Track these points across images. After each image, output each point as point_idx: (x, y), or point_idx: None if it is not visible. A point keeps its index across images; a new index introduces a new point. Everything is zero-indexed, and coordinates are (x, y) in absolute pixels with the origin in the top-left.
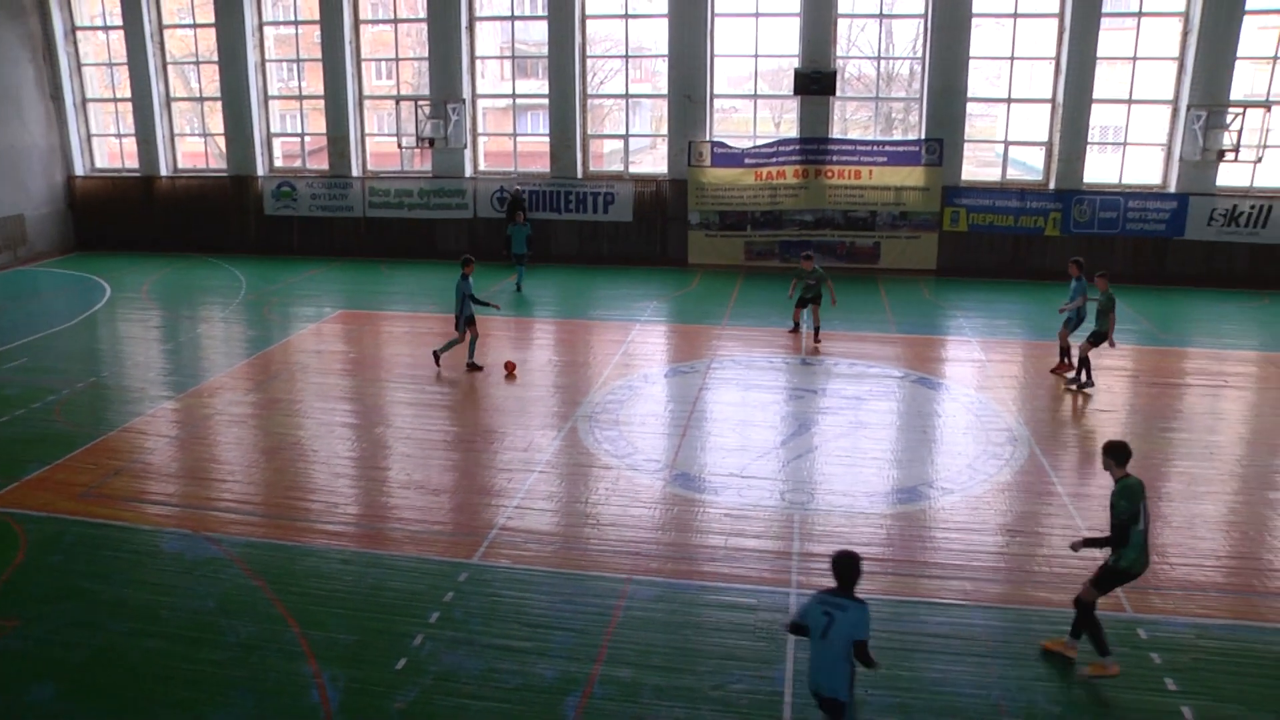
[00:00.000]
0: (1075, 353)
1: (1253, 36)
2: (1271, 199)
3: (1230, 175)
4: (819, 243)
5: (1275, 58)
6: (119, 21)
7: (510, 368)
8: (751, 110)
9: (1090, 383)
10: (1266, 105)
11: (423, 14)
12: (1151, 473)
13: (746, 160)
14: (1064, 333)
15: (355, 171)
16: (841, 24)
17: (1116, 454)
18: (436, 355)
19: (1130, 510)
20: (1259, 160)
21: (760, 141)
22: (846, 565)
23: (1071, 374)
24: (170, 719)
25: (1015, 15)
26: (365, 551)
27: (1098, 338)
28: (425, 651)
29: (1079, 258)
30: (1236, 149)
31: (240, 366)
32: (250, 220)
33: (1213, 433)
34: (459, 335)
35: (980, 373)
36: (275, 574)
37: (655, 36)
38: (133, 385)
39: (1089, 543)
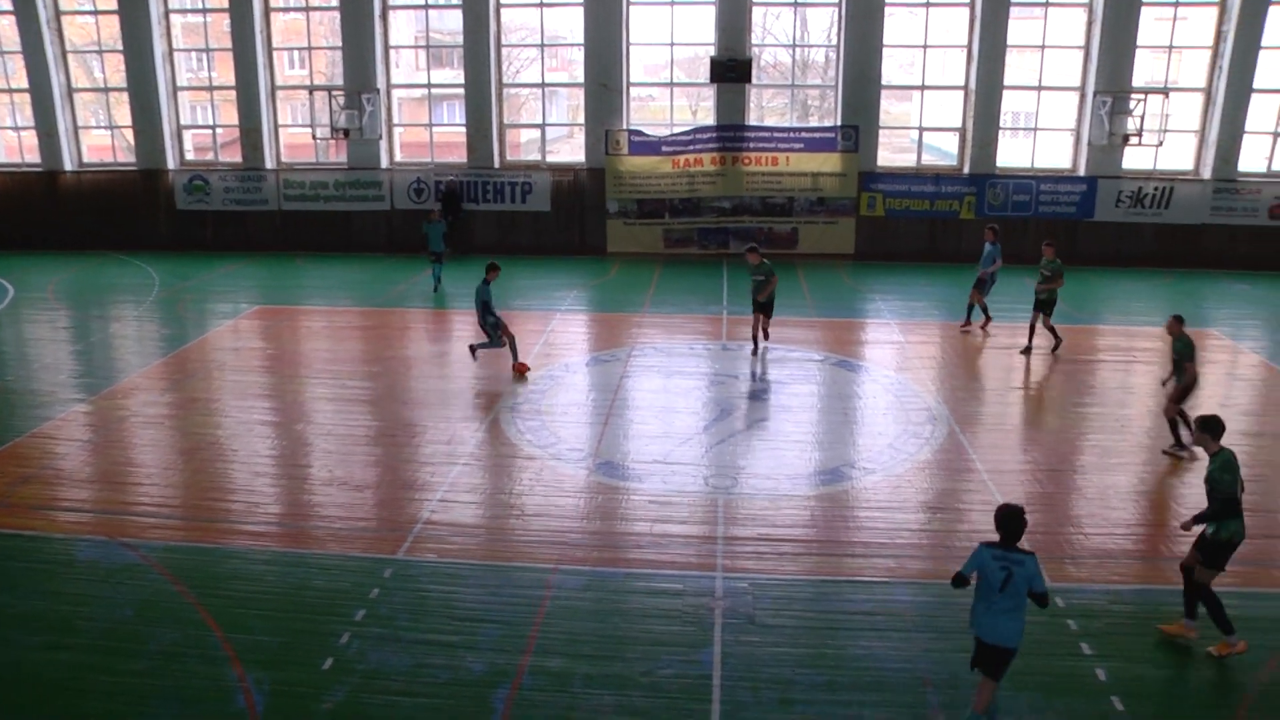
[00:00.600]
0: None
1: (1151, 26)
2: (1173, 181)
3: (1135, 159)
4: (737, 229)
5: (1171, 46)
6: (8, 6)
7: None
8: (668, 98)
9: (1054, 345)
10: (1165, 91)
11: (335, 2)
12: (1066, 446)
13: (664, 148)
14: (975, 294)
15: (269, 164)
16: (756, 12)
17: (1212, 429)
18: (473, 350)
19: (1234, 482)
20: (1160, 144)
21: (677, 129)
22: (1014, 519)
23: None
24: None
25: (928, 4)
26: (288, 551)
27: (1047, 307)
28: (352, 650)
29: (994, 224)
30: (1140, 133)
31: (155, 366)
32: (161, 215)
33: (1124, 406)
34: (496, 341)
35: (899, 354)
36: (196, 578)
37: (571, 25)
38: (41, 389)
39: (1198, 519)
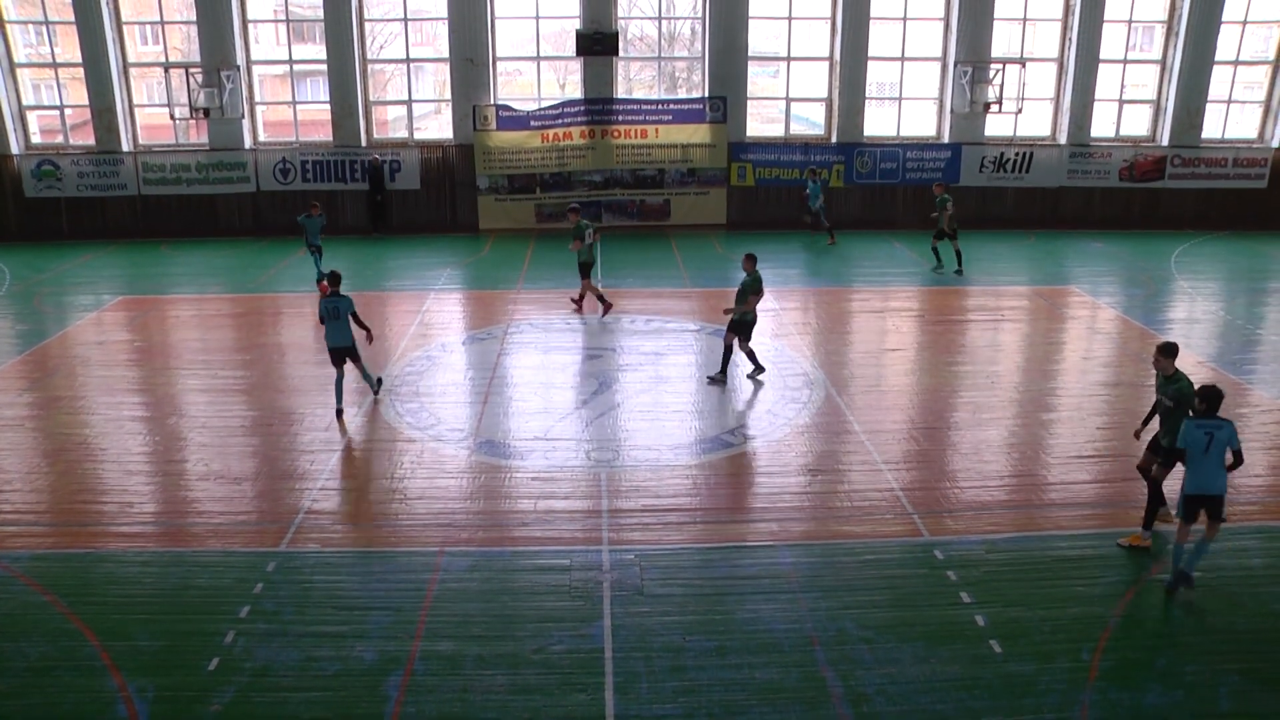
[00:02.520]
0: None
1: None
2: (1031, 146)
3: (996, 126)
4: (609, 202)
5: (1025, 19)
6: None
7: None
8: (535, 72)
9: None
10: (1022, 61)
11: None
12: (940, 404)
13: (532, 123)
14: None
15: (126, 146)
16: None
17: (1170, 352)
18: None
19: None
20: (1019, 111)
21: (545, 104)
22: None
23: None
24: None
25: None
26: (166, 550)
27: (743, 327)
28: (238, 648)
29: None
30: (1000, 101)
31: (12, 364)
32: (8, 204)
33: (993, 364)
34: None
35: (774, 321)
36: (67, 586)
37: None
38: None
39: (1146, 422)
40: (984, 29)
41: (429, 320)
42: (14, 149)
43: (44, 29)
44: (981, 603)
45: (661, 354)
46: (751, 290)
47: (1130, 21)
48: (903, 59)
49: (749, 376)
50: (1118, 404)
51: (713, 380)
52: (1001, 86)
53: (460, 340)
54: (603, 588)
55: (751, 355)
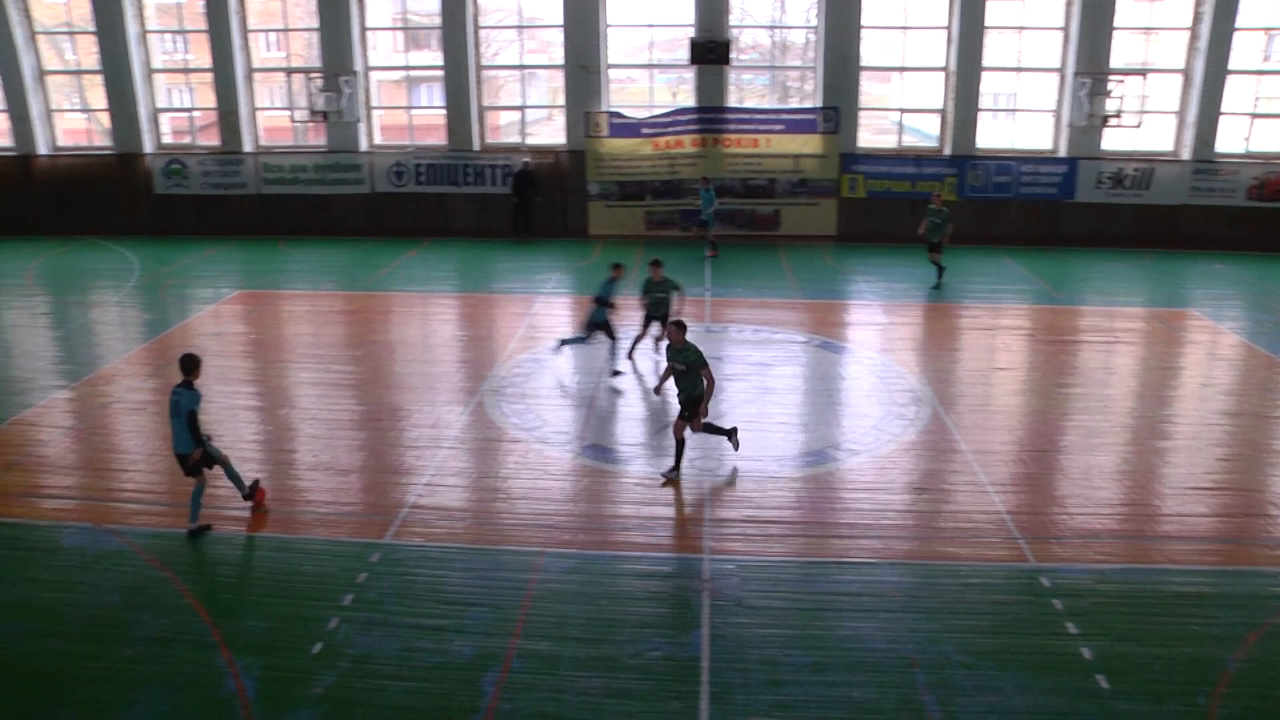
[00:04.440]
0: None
1: (1129, 7)
2: (1152, 161)
3: (1115, 140)
4: (718, 210)
5: (1149, 27)
6: None
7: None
8: (648, 80)
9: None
10: (1144, 73)
11: None
12: (1050, 427)
13: (644, 130)
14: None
15: (248, 147)
16: None
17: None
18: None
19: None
20: (1140, 125)
21: (657, 111)
22: None
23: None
24: None
25: None
26: (275, 536)
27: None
28: (341, 635)
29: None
30: (1119, 114)
31: (137, 352)
32: (139, 200)
33: (1107, 387)
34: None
35: (883, 336)
36: (183, 564)
37: (549, 6)
38: (21, 376)
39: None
40: (1104, 38)
41: (537, 323)
42: (146, 148)
43: (179, 37)
44: (1088, 634)
45: (768, 365)
46: (701, 363)
47: (1268, 29)
48: (1019, 69)
49: (664, 474)
50: (1240, 435)
51: (666, 477)
52: (1122, 98)
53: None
54: (702, 597)
55: (711, 428)
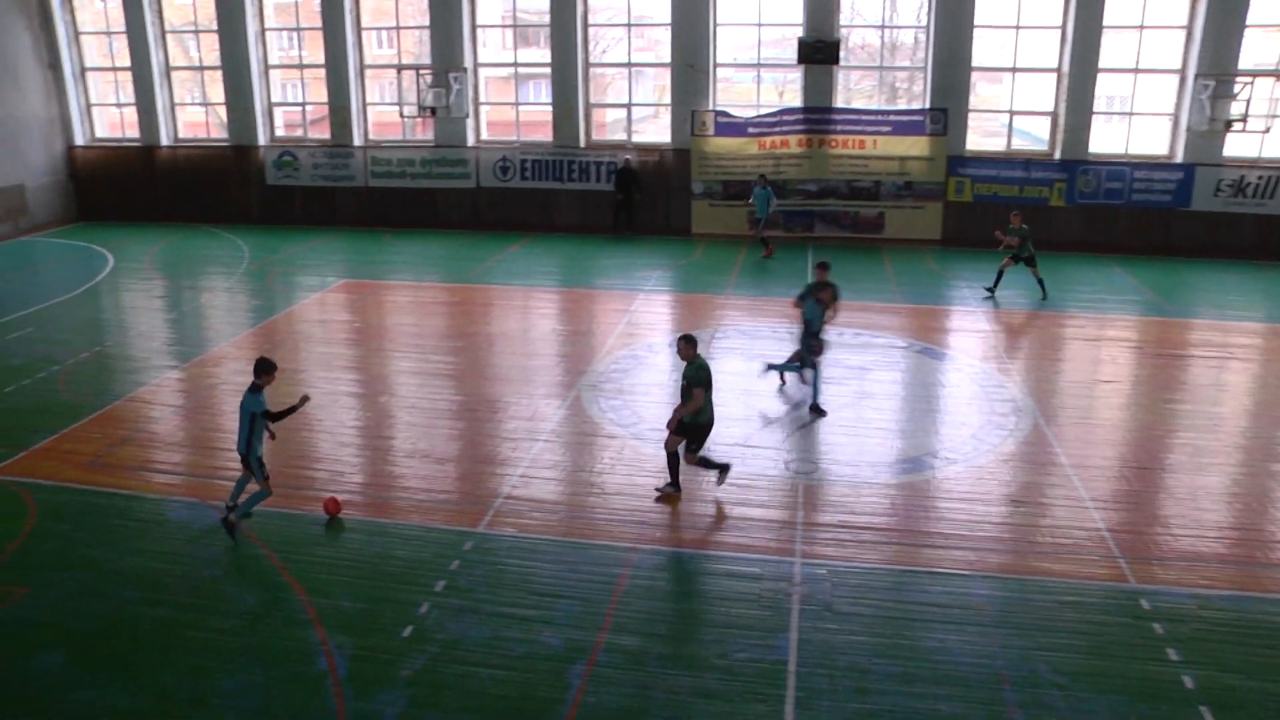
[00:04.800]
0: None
1: (1263, 3)
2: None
3: (1238, 145)
4: (822, 212)
5: None
6: None
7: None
8: (755, 79)
9: None
10: (1277, 74)
11: None
12: (1155, 444)
13: (750, 130)
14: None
15: (357, 140)
16: None
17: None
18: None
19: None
20: (1267, 130)
21: (764, 111)
22: None
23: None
24: (179, 686)
25: None
26: (371, 520)
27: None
28: (431, 620)
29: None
30: (1245, 119)
31: (244, 336)
32: (252, 190)
33: (1216, 404)
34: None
35: (985, 343)
36: (281, 542)
37: (658, 5)
38: (136, 355)
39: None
40: (1232, 38)
41: (637, 320)
42: (260, 141)
43: (295, 35)
44: (1191, 662)
45: (867, 369)
46: (697, 382)
47: None
48: (1136, 70)
49: (658, 489)
50: None
51: (661, 492)
52: (1248, 102)
53: (666, 342)
54: (792, 600)
55: (705, 463)
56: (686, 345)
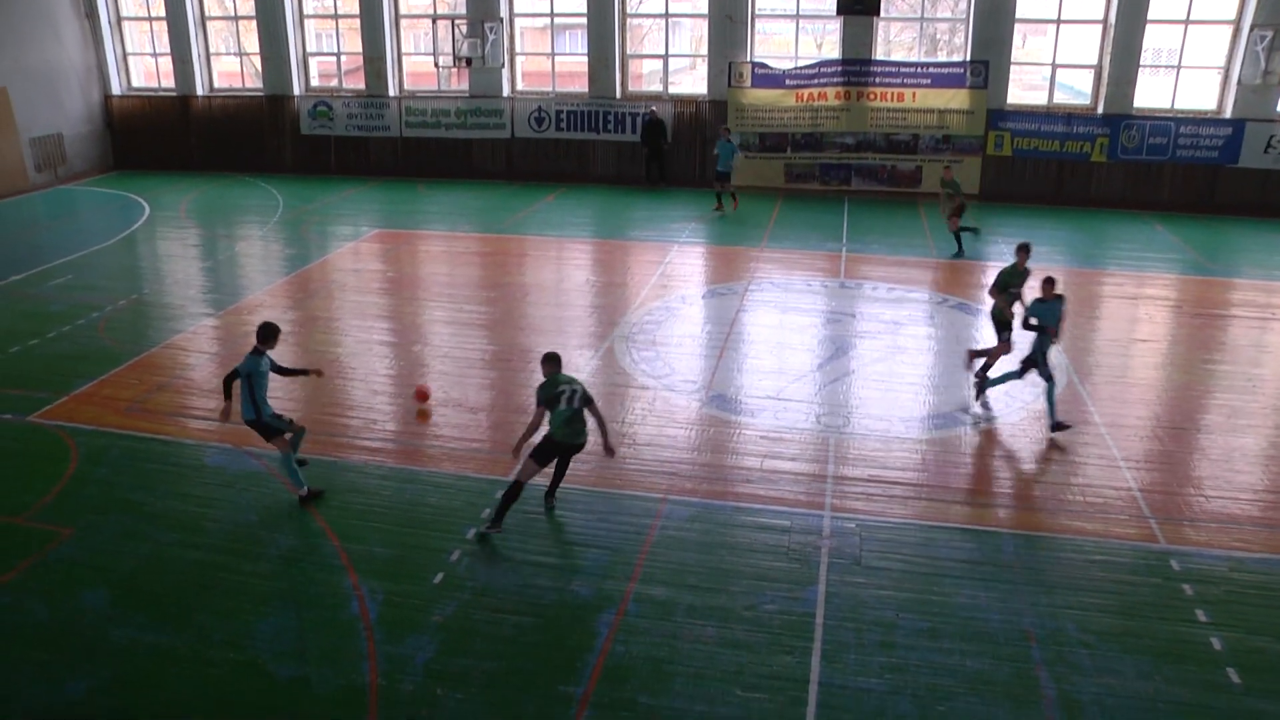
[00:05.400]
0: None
1: None
2: None
3: None
4: (859, 165)
5: None
6: None
7: (422, 397)
8: (793, 31)
9: None
10: None
11: None
12: (1191, 404)
13: (787, 81)
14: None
15: (392, 91)
16: None
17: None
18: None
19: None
20: None
21: (802, 63)
22: None
23: None
24: (215, 626)
25: None
26: (403, 468)
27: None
28: (462, 567)
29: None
30: None
31: (279, 284)
32: (286, 140)
33: (1256, 365)
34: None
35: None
36: (315, 488)
37: None
38: (173, 303)
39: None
40: None
41: (671, 272)
42: (295, 91)
43: None
44: (1220, 624)
45: (901, 324)
46: (538, 400)
47: None
48: (1187, 21)
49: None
50: None
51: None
52: None
53: (700, 294)
54: (820, 553)
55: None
56: (544, 364)
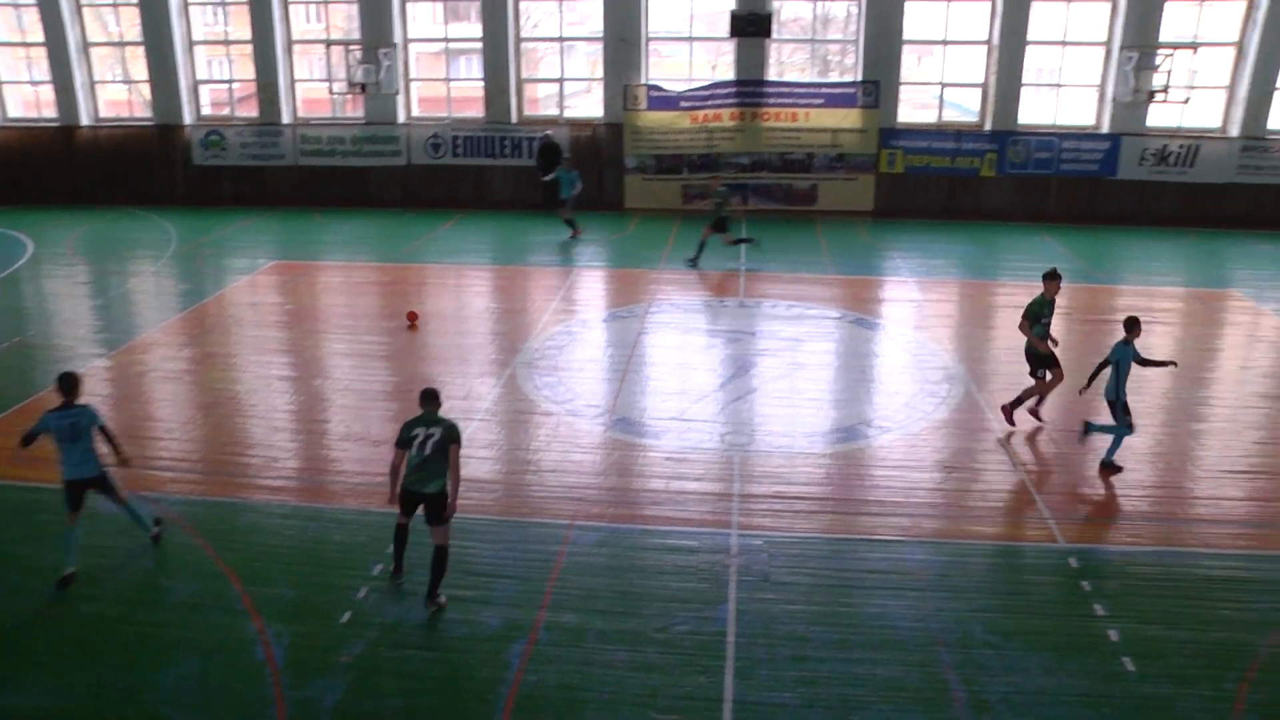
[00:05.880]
0: None
1: None
2: (1199, 139)
3: (1160, 116)
4: (756, 185)
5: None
6: None
7: (412, 318)
8: (687, 53)
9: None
10: (1194, 46)
11: None
12: (1085, 407)
13: (682, 103)
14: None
15: (286, 119)
16: None
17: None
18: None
19: (402, 437)
20: (1187, 101)
21: (696, 84)
22: None
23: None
24: (112, 682)
25: None
26: (306, 505)
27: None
28: (370, 604)
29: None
30: (1167, 89)
31: (173, 321)
32: (178, 170)
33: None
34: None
35: (917, 313)
36: (216, 531)
37: None
38: (61, 344)
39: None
40: (1154, 10)
41: (571, 296)
42: (186, 119)
43: (220, 9)
44: (1116, 617)
45: (801, 340)
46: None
47: None
48: (1064, 43)
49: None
50: (1278, 418)
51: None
52: (1169, 73)
53: (601, 317)
54: (729, 572)
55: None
56: (419, 401)
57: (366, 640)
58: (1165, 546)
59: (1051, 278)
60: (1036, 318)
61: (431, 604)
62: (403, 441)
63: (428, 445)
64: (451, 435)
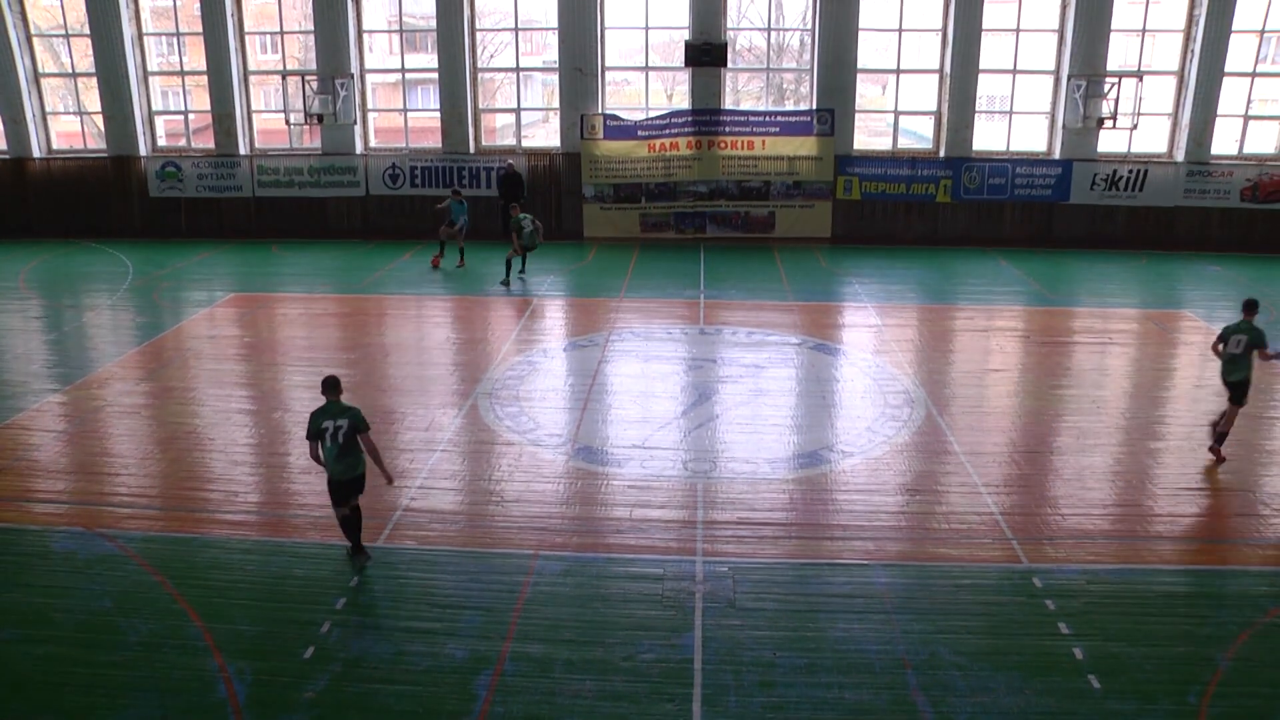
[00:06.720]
0: None
1: (1125, 10)
2: (1147, 163)
3: (1109, 142)
4: (714, 213)
5: (1144, 30)
6: None
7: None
8: (644, 82)
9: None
10: (1139, 75)
11: None
12: (1043, 428)
13: (639, 132)
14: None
15: (243, 150)
16: None
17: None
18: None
19: (311, 429)
20: (1135, 127)
21: (653, 114)
22: None
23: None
24: None
25: None
26: (267, 540)
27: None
28: (333, 638)
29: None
30: (1114, 116)
31: (130, 355)
32: (134, 203)
33: (1099, 388)
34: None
35: (877, 337)
36: (175, 568)
37: (545, 9)
38: (13, 379)
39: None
40: (1100, 41)
41: (531, 325)
42: (141, 151)
43: (175, 40)
44: (1080, 635)
45: (762, 367)
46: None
47: (1262, 32)
48: (1014, 71)
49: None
50: (1233, 436)
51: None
52: (1116, 100)
53: (561, 346)
54: (695, 599)
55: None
56: (321, 390)
57: (330, 675)
58: (1126, 564)
59: (1249, 308)
60: (1263, 343)
61: (361, 557)
62: (313, 434)
63: (339, 436)
64: (357, 424)
